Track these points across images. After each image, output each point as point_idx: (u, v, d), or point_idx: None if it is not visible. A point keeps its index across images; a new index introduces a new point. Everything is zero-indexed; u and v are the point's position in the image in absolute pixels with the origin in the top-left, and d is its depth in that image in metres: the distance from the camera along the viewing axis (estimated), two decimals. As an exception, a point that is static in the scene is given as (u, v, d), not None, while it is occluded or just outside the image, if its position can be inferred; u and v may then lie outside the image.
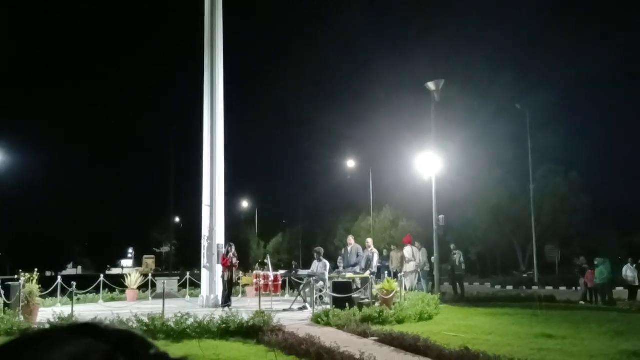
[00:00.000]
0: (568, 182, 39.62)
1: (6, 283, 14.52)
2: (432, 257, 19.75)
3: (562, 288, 27.56)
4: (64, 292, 17.37)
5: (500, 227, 41.26)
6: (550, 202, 38.51)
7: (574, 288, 24.58)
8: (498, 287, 30.75)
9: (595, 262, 19.50)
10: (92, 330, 0.61)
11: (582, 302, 19.09)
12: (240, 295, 20.48)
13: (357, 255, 17.18)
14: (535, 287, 27.93)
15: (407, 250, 20.29)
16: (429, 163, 20.45)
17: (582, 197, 39.52)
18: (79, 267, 70.58)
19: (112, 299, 19.40)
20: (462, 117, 36.52)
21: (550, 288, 27.04)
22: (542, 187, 37.23)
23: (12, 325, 11.44)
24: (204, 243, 17.25)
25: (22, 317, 12.87)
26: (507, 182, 39.66)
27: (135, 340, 0.63)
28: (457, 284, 19.89)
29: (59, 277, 18.11)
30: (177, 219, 68.85)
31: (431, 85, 19.94)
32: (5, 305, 13.82)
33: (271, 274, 16.22)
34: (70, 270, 63.91)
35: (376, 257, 17.84)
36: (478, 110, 38.35)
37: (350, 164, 47.82)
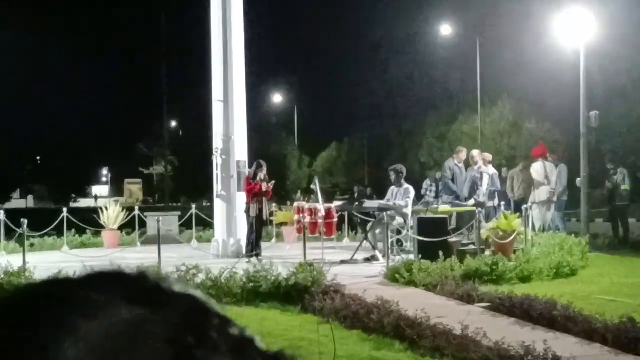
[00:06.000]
0: None
1: None
2: (578, 179, 19.54)
3: None
4: (9, 234, 18.13)
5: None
6: None
7: None
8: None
9: None
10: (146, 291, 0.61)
11: None
12: (274, 240, 20.94)
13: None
14: None
15: (537, 169, 20.06)
16: (576, 27, 19.92)
17: None
18: (29, 198, 73.12)
19: (83, 245, 20.18)
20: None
21: None
22: None
23: None
24: (217, 160, 17.48)
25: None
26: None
27: (208, 314, 0.63)
28: (618, 219, 19.74)
29: (1, 213, 18.85)
30: (174, 124, 69.84)
31: None
32: None
33: (321, 207, 16.40)
34: (17, 202, 66.34)
35: (486, 180, 17.77)
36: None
37: (445, 30, 46.76)
